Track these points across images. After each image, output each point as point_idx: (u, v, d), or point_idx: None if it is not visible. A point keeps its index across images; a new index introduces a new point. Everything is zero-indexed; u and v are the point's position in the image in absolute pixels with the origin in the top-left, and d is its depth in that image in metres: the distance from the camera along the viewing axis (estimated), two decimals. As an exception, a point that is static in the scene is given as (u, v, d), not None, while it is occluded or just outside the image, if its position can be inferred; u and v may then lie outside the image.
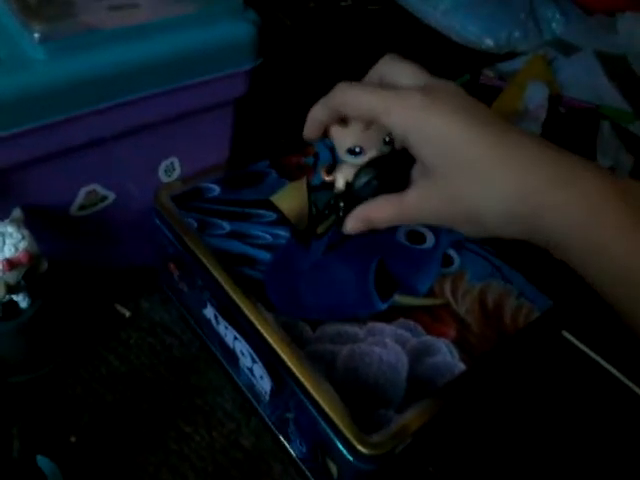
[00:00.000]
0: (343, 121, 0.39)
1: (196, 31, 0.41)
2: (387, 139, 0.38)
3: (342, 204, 0.40)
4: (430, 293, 0.44)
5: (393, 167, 0.39)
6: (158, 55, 0.40)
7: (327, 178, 0.42)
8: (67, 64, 0.37)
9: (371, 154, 0.39)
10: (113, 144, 0.43)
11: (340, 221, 0.40)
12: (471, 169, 0.32)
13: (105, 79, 0.39)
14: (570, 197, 0.31)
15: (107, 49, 0.38)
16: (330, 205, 0.42)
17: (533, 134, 0.34)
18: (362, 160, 0.39)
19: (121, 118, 0.41)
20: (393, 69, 0.37)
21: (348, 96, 0.36)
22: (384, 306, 0.43)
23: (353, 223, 0.38)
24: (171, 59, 0.41)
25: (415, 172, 0.37)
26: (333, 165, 0.42)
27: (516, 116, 0.70)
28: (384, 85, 0.37)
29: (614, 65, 0.86)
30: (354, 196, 0.39)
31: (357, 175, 0.39)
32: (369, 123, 0.38)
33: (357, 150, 0.39)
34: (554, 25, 0.93)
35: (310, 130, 0.39)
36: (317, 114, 0.38)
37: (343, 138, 0.40)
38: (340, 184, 0.40)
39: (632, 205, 0.30)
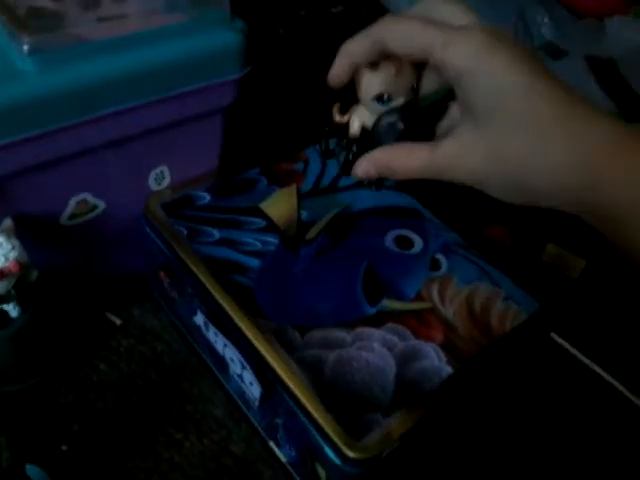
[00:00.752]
0: (373, 64, 0.35)
1: (184, 41, 0.42)
2: (415, 86, 0.35)
3: (355, 147, 0.36)
4: (418, 297, 0.45)
5: (419, 115, 0.35)
6: (147, 65, 0.41)
7: (340, 119, 0.37)
8: (56, 75, 0.38)
9: (398, 102, 0.35)
10: (103, 153, 0.43)
11: (347, 166, 0.36)
12: (530, 124, 0.29)
13: (94, 90, 0.39)
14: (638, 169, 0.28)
15: (96, 60, 0.39)
16: (340, 145, 0.38)
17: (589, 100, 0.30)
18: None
19: (110, 128, 0.42)
20: (442, 8, 0.33)
21: (399, 28, 0.32)
22: (372, 311, 0.43)
23: (366, 166, 0.35)
24: (160, 69, 0.41)
25: (452, 121, 0.34)
26: (347, 105, 0.37)
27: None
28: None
29: (602, 68, 0.87)
30: (372, 140, 0.35)
31: (380, 117, 0.35)
32: (400, 69, 0.34)
33: (386, 97, 0.35)
34: (543, 29, 0.94)
35: (339, 70, 0.34)
36: (354, 48, 0.33)
37: (371, 83, 0.35)
38: (355, 127, 0.36)
39: None
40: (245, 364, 0.41)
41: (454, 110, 0.35)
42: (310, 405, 0.37)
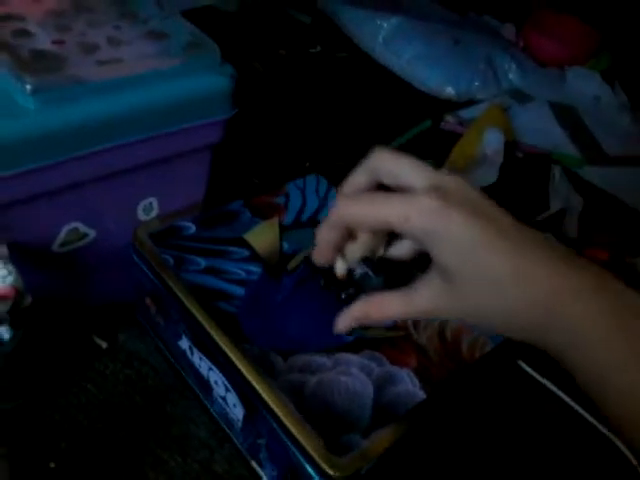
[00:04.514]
0: (350, 235, 0.37)
1: (176, 84, 0.45)
2: (387, 239, 0.38)
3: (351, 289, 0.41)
4: (393, 326, 0.48)
5: (392, 264, 0.39)
6: (140, 106, 0.43)
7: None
8: (56, 113, 0.40)
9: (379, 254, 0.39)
10: (95, 186, 0.46)
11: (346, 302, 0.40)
12: (488, 275, 0.32)
13: (91, 127, 0.42)
14: (592, 310, 0.31)
15: (93, 100, 0.42)
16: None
17: (548, 238, 0.33)
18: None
19: (104, 163, 0.44)
20: (389, 166, 0.35)
21: (357, 212, 0.34)
22: (351, 338, 0.46)
23: (347, 322, 0.37)
24: (152, 109, 0.44)
25: (429, 270, 0.35)
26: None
27: (474, 160, 0.75)
28: (381, 187, 0.35)
29: (565, 114, 0.92)
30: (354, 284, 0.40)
31: (351, 269, 0.39)
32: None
33: (370, 257, 0.39)
34: (511, 75, 0.99)
35: (322, 254, 0.37)
36: (325, 236, 0.36)
37: (353, 251, 0.38)
38: (341, 270, 0.39)
39: None
40: (229, 387, 0.43)
41: None
42: (292, 425, 0.39)
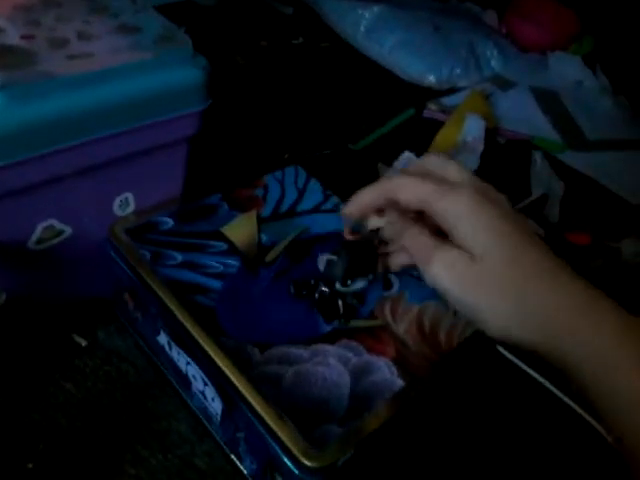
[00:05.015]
0: (379, 211, 0.42)
1: (148, 77, 0.44)
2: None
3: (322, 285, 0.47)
4: (371, 315, 0.48)
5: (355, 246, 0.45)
6: (112, 100, 0.43)
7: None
8: (26, 109, 0.40)
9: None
10: (69, 182, 0.45)
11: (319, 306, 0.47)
12: (503, 275, 0.35)
13: (61, 123, 0.41)
14: (592, 326, 0.34)
15: (64, 95, 0.41)
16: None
17: (566, 266, 0.36)
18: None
19: (77, 158, 0.44)
20: (439, 166, 0.39)
21: (404, 182, 0.39)
22: (328, 328, 0.46)
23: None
24: (124, 104, 0.44)
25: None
26: None
27: (455, 148, 0.75)
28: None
29: (546, 99, 0.92)
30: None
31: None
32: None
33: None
34: (493, 62, 0.99)
35: (353, 209, 0.41)
36: (365, 197, 0.41)
37: (374, 223, 0.43)
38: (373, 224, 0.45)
39: None
40: (207, 381, 0.43)
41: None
42: (269, 418, 0.39)
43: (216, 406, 0.44)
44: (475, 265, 0.36)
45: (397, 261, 0.45)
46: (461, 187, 0.37)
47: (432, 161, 0.40)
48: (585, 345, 0.34)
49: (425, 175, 0.39)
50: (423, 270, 0.39)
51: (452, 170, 0.39)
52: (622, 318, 0.34)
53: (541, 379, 0.54)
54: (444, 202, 0.37)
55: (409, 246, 0.40)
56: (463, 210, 0.36)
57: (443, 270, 0.37)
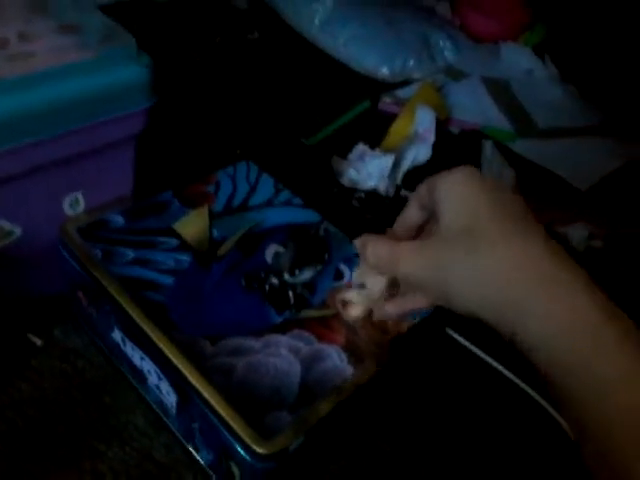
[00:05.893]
0: None
1: (92, 77, 0.45)
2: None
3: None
4: (323, 305, 0.49)
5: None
6: (55, 100, 0.43)
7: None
8: (-34, 111, 0.40)
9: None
10: (17, 182, 0.46)
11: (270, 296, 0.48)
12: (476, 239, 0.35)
13: (5, 125, 0.42)
14: (556, 302, 0.33)
15: (5, 96, 0.41)
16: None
17: (556, 245, 0.35)
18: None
19: (23, 159, 0.44)
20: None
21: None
22: (280, 319, 0.47)
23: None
24: (69, 103, 0.44)
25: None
26: None
27: (408, 139, 0.77)
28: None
29: (497, 89, 0.94)
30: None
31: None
32: None
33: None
34: (446, 53, 1.01)
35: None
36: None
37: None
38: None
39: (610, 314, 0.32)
40: (161, 375, 0.44)
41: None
42: (221, 408, 0.40)
43: (171, 399, 0.45)
44: (437, 242, 0.37)
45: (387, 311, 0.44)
46: (455, 170, 0.38)
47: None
48: (550, 323, 0.33)
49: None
50: (395, 274, 0.39)
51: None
52: (579, 293, 0.33)
53: (493, 362, 0.56)
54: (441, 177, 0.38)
55: (373, 260, 0.40)
56: (449, 188, 0.37)
57: (411, 266, 0.37)
